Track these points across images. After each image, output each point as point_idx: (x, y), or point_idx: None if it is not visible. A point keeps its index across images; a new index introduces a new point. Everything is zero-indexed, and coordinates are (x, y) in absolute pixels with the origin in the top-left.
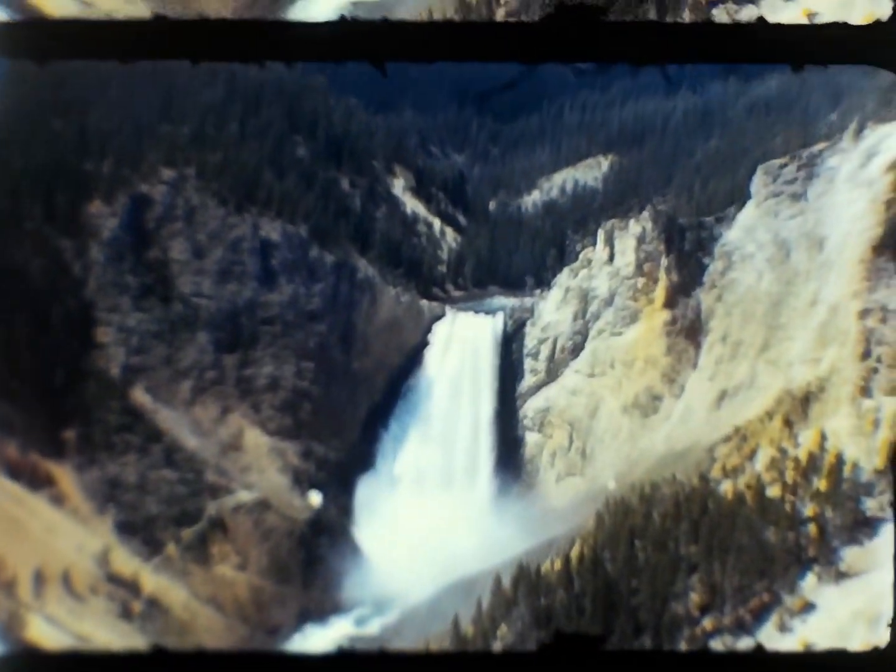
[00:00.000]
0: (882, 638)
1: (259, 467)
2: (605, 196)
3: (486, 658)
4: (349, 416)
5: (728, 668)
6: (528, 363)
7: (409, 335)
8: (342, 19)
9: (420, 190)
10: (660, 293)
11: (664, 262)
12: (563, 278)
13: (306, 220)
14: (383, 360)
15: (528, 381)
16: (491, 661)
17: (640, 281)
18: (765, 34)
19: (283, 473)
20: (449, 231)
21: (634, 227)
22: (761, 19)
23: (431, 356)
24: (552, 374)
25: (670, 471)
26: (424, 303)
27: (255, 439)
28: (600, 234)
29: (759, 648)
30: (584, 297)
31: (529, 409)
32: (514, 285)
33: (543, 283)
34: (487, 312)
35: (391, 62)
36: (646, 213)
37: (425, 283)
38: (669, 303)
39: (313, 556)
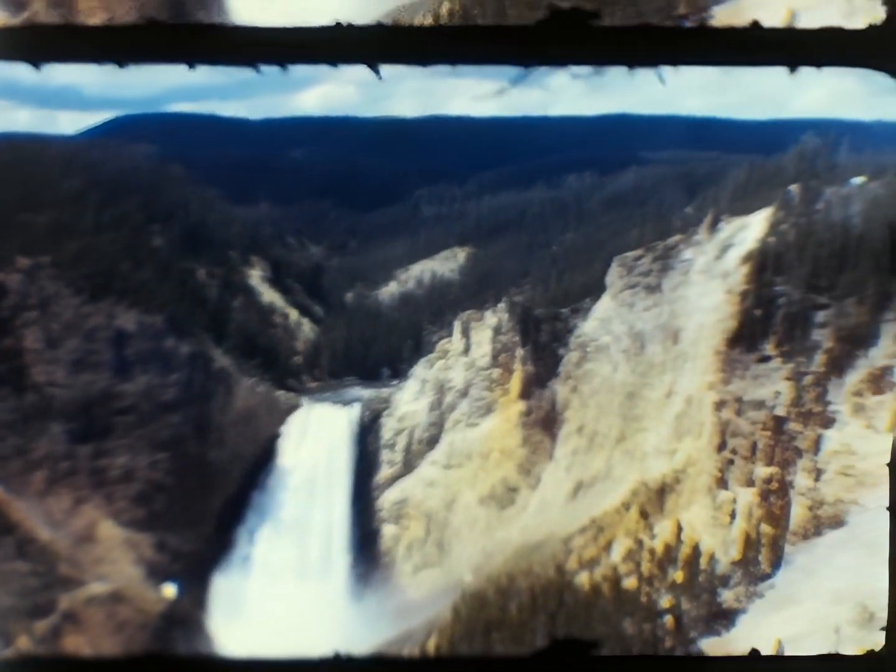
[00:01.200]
0: (878, 642)
1: (112, 559)
2: (462, 287)
3: (481, 663)
4: (204, 508)
5: (723, 670)
6: (384, 454)
7: (264, 426)
8: (337, 24)
9: (277, 280)
10: (515, 384)
11: (520, 353)
12: (420, 369)
13: (162, 309)
14: (238, 451)
15: (384, 472)
16: (487, 666)
17: (496, 372)
18: (759, 37)
19: (137, 565)
20: (306, 322)
21: (490, 318)
22: (756, 22)
23: (287, 447)
24: (409, 465)
25: (527, 562)
26: (280, 393)
27: (109, 531)
28: (456, 326)
29: (755, 652)
30: (441, 388)
31: (386, 500)
32: (370, 376)
33: (400, 374)
34: (344, 403)
35: (386, 65)
36: (502, 305)
37: (281, 373)
38: (525, 394)
39: (167, 649)
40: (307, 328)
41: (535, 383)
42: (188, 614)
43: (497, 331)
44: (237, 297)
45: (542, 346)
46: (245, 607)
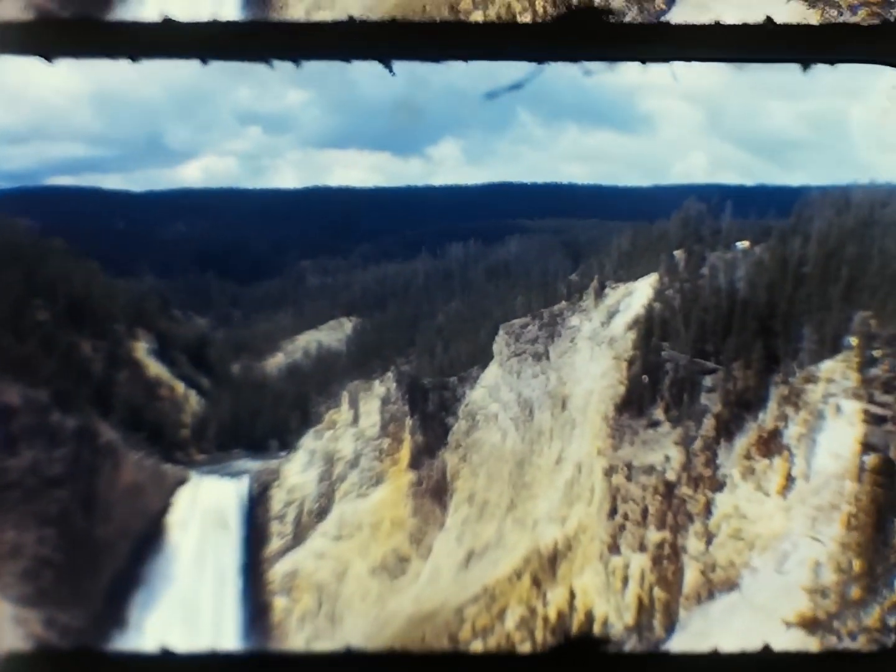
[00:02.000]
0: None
1: (0, 636)
2: (349, 357)
3: (492, 659)
4: (92, 584)
5: (734, 667)
6: (274, 526)
7: (152, 500)
8: (350, 19)
9: (163, 353)
10: (404, 454)
11: (409, 422)
12: (309, 440)
13: (47, 384)
14: (126, 526)
15: (274, 544)
16: (498, 663)
17: (386, 442)
18: (773, 33)
19: (27, 641)
20: (192, 394)
21: (378, 388)
22: (769, 19)
23: (175, 521)
24: (299, 537)
25: (420, 633)
26: (168, 467)
27: None
28: (344, 396)
29: (766, 648)
30: (330, 459)
31: (277, 573)
32: (259, 448)
33: (288, 445)
34: (232, 476)
35: (398, 61)
36: (389, 375)
37: (168, 447)
38: (415, 463)
39: None
40: (194, 401)
41: (425, 452)
42: None
43: (385, 400)
44: (122, 370)
45: (431, 416)
46: None
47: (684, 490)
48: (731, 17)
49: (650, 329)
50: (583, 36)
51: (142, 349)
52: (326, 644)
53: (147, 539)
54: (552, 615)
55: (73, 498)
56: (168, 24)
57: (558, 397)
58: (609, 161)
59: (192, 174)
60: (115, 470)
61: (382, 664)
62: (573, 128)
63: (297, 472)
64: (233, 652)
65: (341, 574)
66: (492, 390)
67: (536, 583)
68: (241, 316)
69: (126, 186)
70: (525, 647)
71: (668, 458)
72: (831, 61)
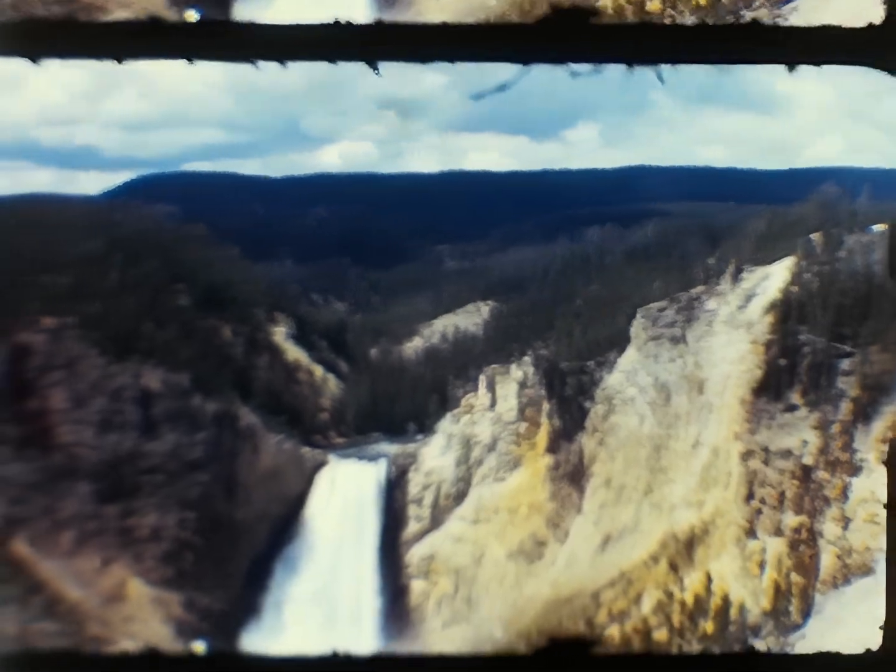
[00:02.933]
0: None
1: (141, 618)
2: (486, 342)
3: (482, 661)
4: (232, 566)
5: (721, 669)
6: (411, 510)
7: (291, 483)
8: (336, 22)
9: (302, 338)
10: (542, 438)
11: (546, 406)
12: (446, 424)
13: (188, 368)
14: (266, 509)
15: (412, 528)
16: (487, 665)
17: (523, 426)
18: (759, 35)
19: (167, 624)
20: (331, 378)
21: (516, 372)
22: (755, 20)
23: (314, 504)
24: (436, 520)
25: (556, 617)
26: (307, 450)
27: (138, 590)
28: (482, 380)
29: (752, 650)
30: (467, 443)
31: (414, 556)
32: (396, 432)
33: (426, 429)
34: (370, 459)
35: (384, 63)
36: (527, 359)
37: (307, 430)
38: (552, 447)
39: None
40: (332, 385)
41: (562, 437)
42: None
43: (523, 385)
44: (262, 354)
45: (568, 400)
46: None
47: (821, 474)
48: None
49: (787, 313)
50: (569, 37)
51: (281, 334)
52: (464, 628)
53: (286, 522)
54: (689, 600)
55: (213, 481)
56: (154, 24)
57: (695, 381)
58: (746, 144)
59: (330, 159)
60: (254, 453)
61: (375, 667)
62: (710, 110)
63: (434, 456)
64: (225, 652)
65: (478, 558)
66: (629, 374)
67: (673, 567)
68: (379, 300)
69: (264, 172)
70: (661, 633)
71: (805, 443)
72: (817, 63)
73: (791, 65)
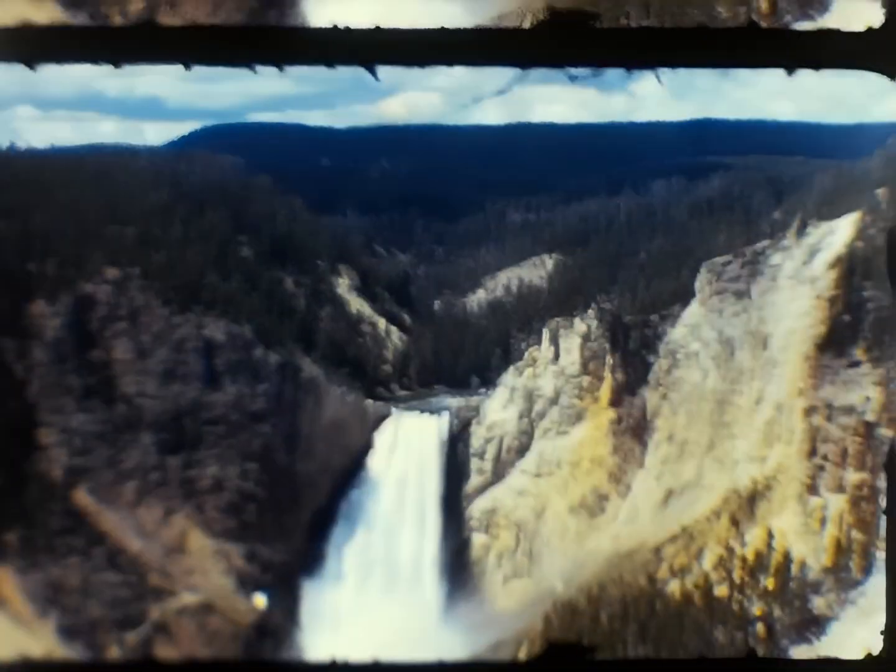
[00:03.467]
0: (876, 645)
1: (203, 570)
2: (550, 295)
3: (480, 667)
4: (294, 519)
5: None
6: (474, 463)
7: (353, 435)
8: (334, 26)
9: (365, 289)
10: (605, 392)
11: (609, 360)
12: (509, 377)
13: (251, 319)
14: (328, 461)
15: (474, 481)
16: (485, 670)
17: (586, 380)
18: (758, 39)
19: (228, 575)
20: (394, 330)
21: (579, 325)
22: (753, 23)
23: (376, 457)
24: (498, 474)
25: (617, 572)
26: (369, 403)
27: (199, 541)
28: (545, 333)
29: (752, 654)
30: (530, 397)
31: (476, 510)
32: (459, 385)
33: (489, 382)
34: (433, 412)
35: (383, 67)
36: (591, 312)
37: (370, 382)
38: (615, 401)
39: (257, 658)
40: (395, 337)
41: (625, 391)
42: (279, 625)
43: (586, 338)
44: (325, 306)
45: (632, 354)
46: (335, 619)
47: (883, 431)
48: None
49: (852, 268)
50: (568, 41)
51: (345, 285)
52: (525, 583)
53: (348, 475)
54: (750, 556)
55: (275, 432)
56: (152, 27)
57: (759, 336)
58: (814, 98)
59: (396, 110)
60: (317, 405)
61: None
62: None
63: (497, 409)
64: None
65: (540, 512)
66: (693, 329)
67: (734, 523)
68: (443, 252)
69: (329, 122)
70: (722, 589)
71: (867, 399)
72: (815, 66)
73: (789, 68)
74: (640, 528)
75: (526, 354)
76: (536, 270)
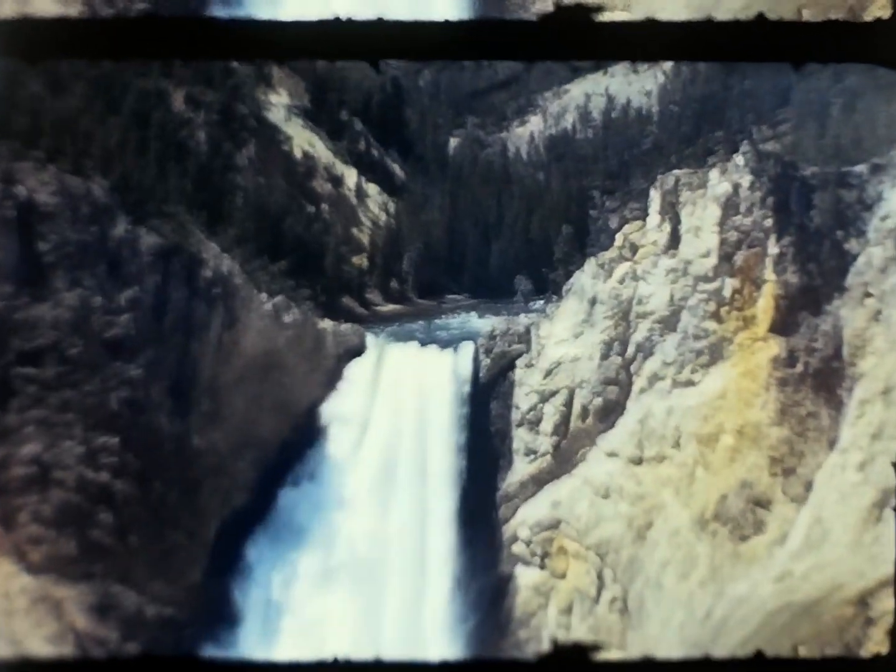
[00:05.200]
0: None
1: (12, 633)
2: (663, 125)
3: (484, 667)
4: (187, 536)
5: None
6: (519, 438)
7: (297, 385)
8: (336, 19)
9: (319, 113)
10: (765, 308)
11: (773, 248)
12: (585, 279)
13: (105, 167)
14: (249, 431)
15: (519, 470)
16: (489, 671)
17: (730, 284)
18: (765, 31)
19: (61, 642)
20: (373, 191)
21: (718, 182)
22: (761, 15)
23: (339, 425)
24: (564, 458)
25: (789, 641)
26: (327, 324)
27: (10, 581)
28: (654, 197)
29: (760, 654)
30: (625, 316)
31: (523, 522)
32: (493, 292)
33: (549, 287)
34: (444, 344)
35: (386, 60)
36: (739, 158)
37: (330, 288)
38: (783, 326)
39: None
40: (376, 203)
41: (803, 306)
42: None
43: (730, 206)
44: (245, 143)
45: (816, 236)
46: None
47: None
48: None
49: None
50: (571, 34)
51: (281, 106)
52: (612, 655)
53: (286, 457)
54: None
55: (151, 380)
56: (152, 21)
57: None
58: None
59: None
60: (230, 328)
61: None
62: None
63: (562, 339)
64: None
65: (643, 528)
66: None
67: None
68: None
69: None
70: None
71: None
72: (823, 60)
73: (797, 61)
74: (832, 559)
75: (618, 237)
76: (638, 82)
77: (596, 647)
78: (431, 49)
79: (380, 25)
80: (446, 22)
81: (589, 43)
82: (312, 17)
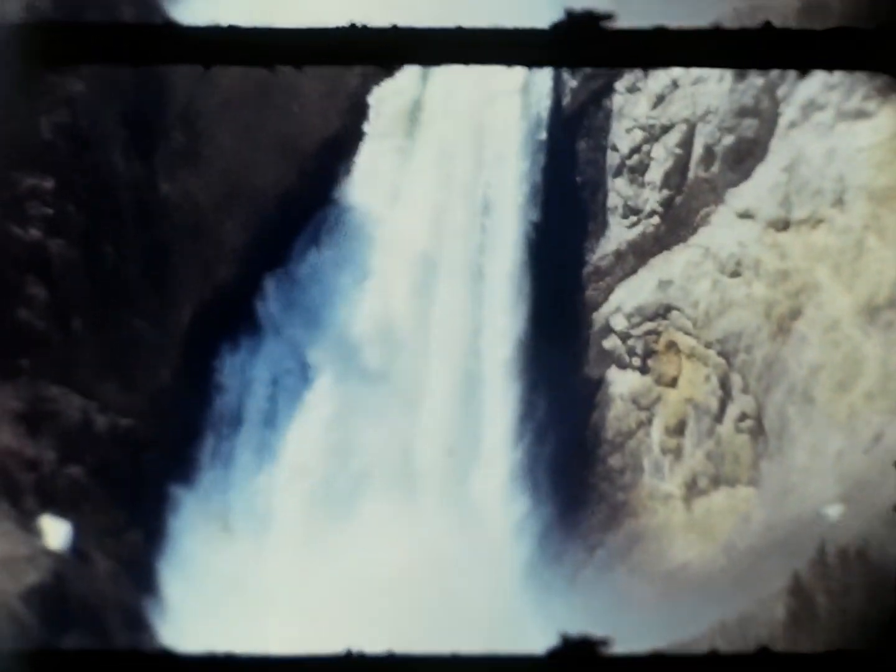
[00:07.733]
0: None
1: None
2: None
3: (493, 661)
4: (146, 342)
5: (732, 668)
6: (616, 191)
7: (308, 112)
8: (352, 25)
9: None
10: None
11: None
12: None
13: None
14: (239, 177)
15: (615, 236)
16: (499, 664)
17: None
18: (772, 38)
19: None
20: None
21: None
22: (768, 23)
23: (367, 170)
24: (679, 220)
25: None
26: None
27: None
28: None
29: (765, 649)
30: None
31: (619, 308)
32: None
33: None
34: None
35: (400, 66)
36: None
37: None
38: None
39: None
40: None
41: None
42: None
43: None
44: None
45: None
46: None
47: None
48: None
49: None
50: (581, 42)
51: None
52: (741, 499)
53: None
54: None
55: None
56: (168, 28)
57: None
58: None
59: None
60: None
61: (382, 667)
62: None
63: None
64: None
65: (785, 319)
66: None
67: None
68: None
69: None
70: None
71: None
72: (830, 67)
73: (803, 68)
74: None
75: None
76: None
77: (603, 642)
78: (444, 55)
79: (393, 31)
80: (460, 28)
81: (598, 50)
82: (329, 24)
